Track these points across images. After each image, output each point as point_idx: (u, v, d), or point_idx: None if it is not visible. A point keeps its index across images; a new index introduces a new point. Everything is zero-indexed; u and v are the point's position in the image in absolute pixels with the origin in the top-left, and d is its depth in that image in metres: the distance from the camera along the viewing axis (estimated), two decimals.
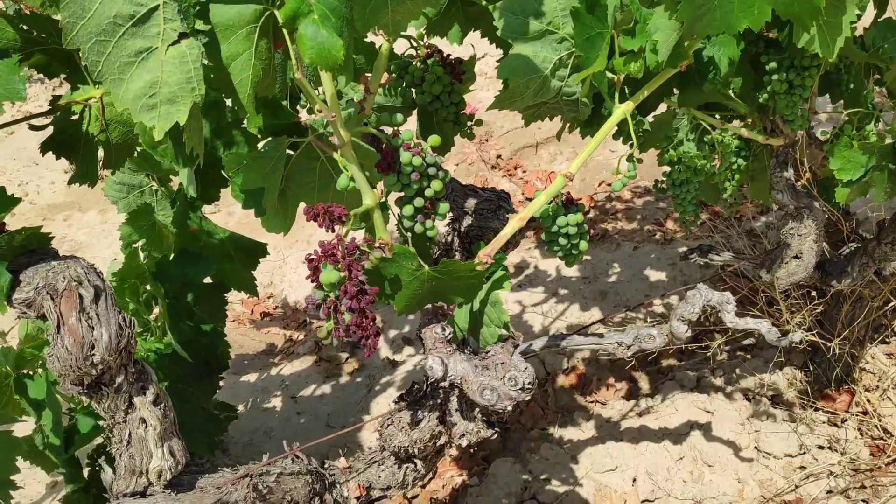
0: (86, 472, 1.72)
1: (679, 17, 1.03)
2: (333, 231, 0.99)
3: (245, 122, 1.16)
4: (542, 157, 3.65)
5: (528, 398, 1.15)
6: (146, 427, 1.27)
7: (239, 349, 2.74)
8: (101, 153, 1.34)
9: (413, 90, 1.36)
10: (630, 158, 1.26)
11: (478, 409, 1.31)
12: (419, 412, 1.40)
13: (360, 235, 1.13)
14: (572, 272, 2.89)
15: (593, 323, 2.42)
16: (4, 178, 3.78)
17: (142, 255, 1.74)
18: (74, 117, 1.29)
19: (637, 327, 1.62)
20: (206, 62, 0.82)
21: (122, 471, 1.29)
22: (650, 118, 1.56)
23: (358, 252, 0.98)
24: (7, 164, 3.82)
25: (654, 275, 2.82)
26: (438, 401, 1.37)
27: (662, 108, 1.55)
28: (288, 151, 1.13)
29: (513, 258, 3.00)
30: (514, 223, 1.16)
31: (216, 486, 1.36)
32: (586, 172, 3.45)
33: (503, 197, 1.47)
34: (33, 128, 1.32)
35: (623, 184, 1.25)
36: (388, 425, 1.49)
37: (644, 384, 2.39)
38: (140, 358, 1.28)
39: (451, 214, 1.49)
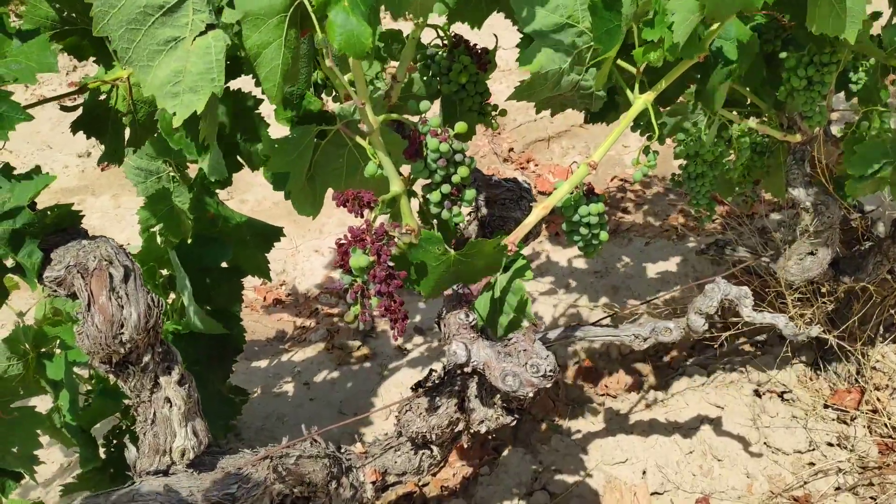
0: (102, 452, 1.74)
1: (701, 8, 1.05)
2: (362, 216, 1.00)
3: (273, 113, 1.17)
4: (554, 151, 3.66)
5: (549, 385, 1.17)
6: (171, 406, 1.29)
7: (251, 335, 2.76)
8: (126, 132, 1.36)
9: (439, 79, 1.37)
10: (647, 150, 1.27)
11: (498, 396, 1.33)
12: (437, 398, 1.42)
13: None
14: (584, 265, 2.91)
15: (608, 315, 2.43)
16: (18, 161, 3.79)
17: (159, 239, 1.76)
18: (102, 97, 1.30)
19: (654, 320, 1.63)
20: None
21: (145, 449, 1.31)
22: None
23: (387, 237, 1.00)
24: (21, 148, 3.84)
25: (666, 270, 2.83)
26: (457, 387, 1.38)
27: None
28: (316, 140, 1.14)
29: (524, 250, 3.02)
30: (538, 211, 1.18)
31: (237, 467, 1.38)
32: (599, 166, 3.46)
33: (525, 188, 1.48)
34: (64, 108, 1.34)
35: (643, 174, 1.26)
36: (406, 411, 1.51)
37: (654, 378, 2.41)
38: (163, 339, 1.30)
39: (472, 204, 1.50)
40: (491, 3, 1.41)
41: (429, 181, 1.09)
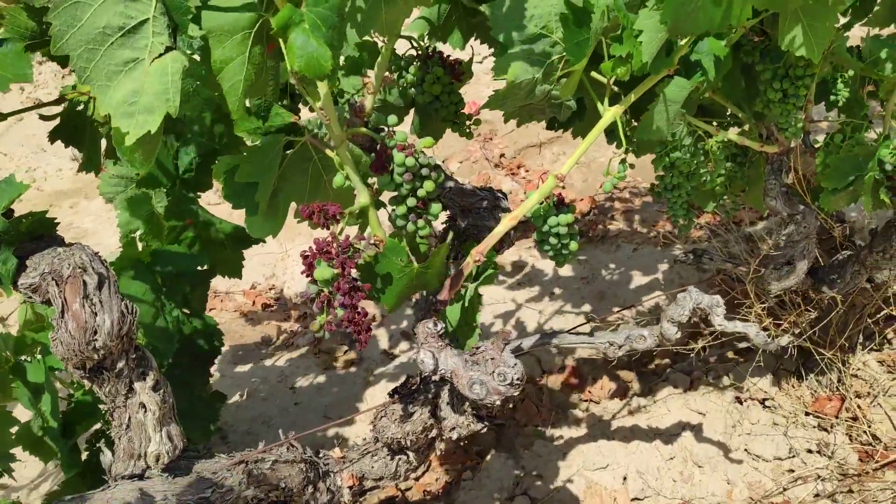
0: (84, 455, 1.76)
1: (663, 17, 1.07)
2: (328, 229, 1.02)
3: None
4: (545, 157, 3.68)
5: (516, 393, 1.18)
6: (145, 412, 1.30)
7: (239, 339, 2.78)
8: (104, 142, 1.37)
9: (413, 90, 1.39)
10: (623, 161, 1.29)
11: (468, 403, 1.34)
12: (411, 405, 1.43)
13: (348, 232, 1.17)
14: (571, 272, 2.92)
15: (585, 322, 2.45)
16: (12, 164, 3.82)
17: (139, 244, 1.77)
18: (80, 107, 1.32)
19: (629, 328, 1.65)
20: (188, 74, 0.84)
21: (120, 454, 1.33)
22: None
23: (351, 249, 1.01)
24: (15, 151, 3.87)
25: (653, 276, 2.85)
26: (430, 395, 1.40)
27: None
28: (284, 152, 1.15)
29: (511, 257, 3.03)
30: (506, 222, 1.19)
31: (212, 472, 1.40)
32: (588, 173, 3.48)
33: (499, 196, 1.50)
34: (43, 117, 1.36)
35: (613, 185, 1.28)
36: (382, 417, 1.53)
37: (637, 384, 2.42)
38: (139, 345, 1.31)
39: (447, 213, 1.52)
40: (469, 30, 1.43)
41: (395, 193, 1.11)
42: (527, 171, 3.60)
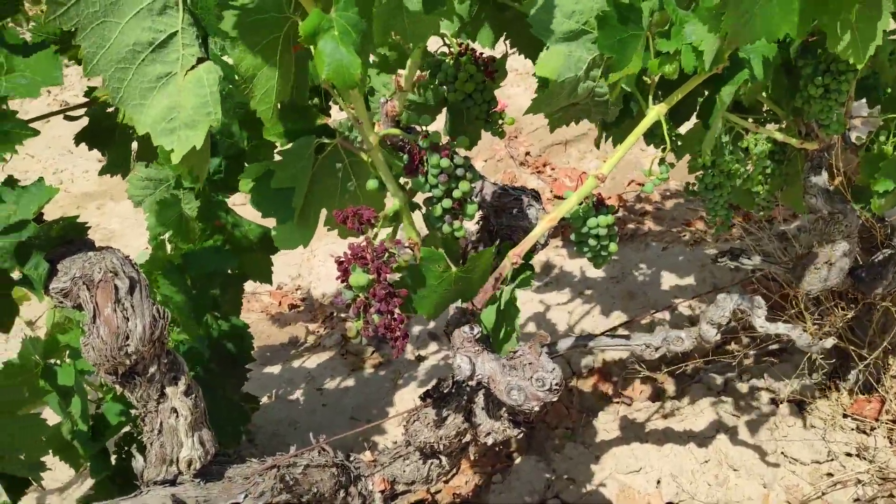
0: (113, 459, 1.75)
1: (723, 29, 1.02)
2: (362, 233, 0.99)
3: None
4: (571, 155, 3.63)
5: (555, 399, 1.15)
6: (177, 417, 1.29)
7: (266, 340, 2.77)
8: (134, 145, 1.36)
9: (445, 88, 1.36)
10: (662, 161, 1.25)
11: (504, 409, 1.31)
12: (444, 409, 1.41)
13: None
14: (600, 271, 2.88)
15: (621, 324, 2.41)
16: (39, 165, 3.84)
17: (168, 246, 1.76)
18: (110, 110, 1.31)
19: (665, 329, 1.61)
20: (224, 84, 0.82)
21: (152, 459, 1.32)
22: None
23: (387, 254, 0.99)
24: (42, 152, 3.89)
25: (683, 276, 2.80)
26: (464, 399, 1.37)
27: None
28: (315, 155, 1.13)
29: (539, 257, 3.00)
30: (544, 223, 1.16)
31: (244, 477, 1.38)
32: (616, 171, 3.43)
33: (534, 196, 1.46)
34: (69, 118, 1.34)
35: (655, 185, 1.25)
36: (414, 421, 1.50)
37: (670, 386, 2.38)
38: (170, 349, 1.30)
39: (481, 213, 1.49)
40: (499, 28, 1.40)
41: (429, 195, 1.08)
42: (553, 169, 3.56)
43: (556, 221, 1.16)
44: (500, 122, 1.42)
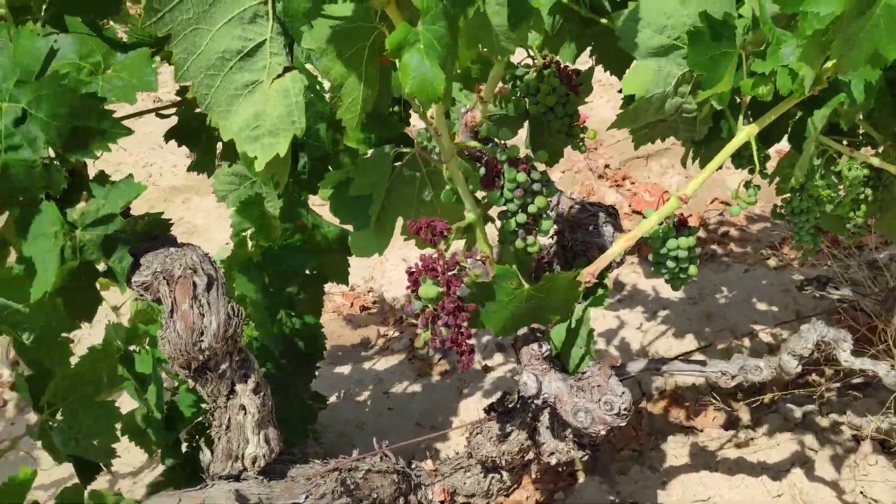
0: (184, 447, 1.80)
1: (833, 54, 0.97)
2: (434, 245, 0.99)
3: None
4: (651, 169, 3.56)
5: (623, 424, 1.12)
6: (245, 414, 1.31)
7: (337, 340, 2.80)
8: (219, 145, 1.39)
9: (527, 100, 1.35)
10: (749, 184, 1.20)
11: (569, 430, 1.29)
12: (508, 425, 1.39)
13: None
14: (678, 292, 2.81)
15: (697, 349, 2.34)
16: (130, 159, 3.99)
17: (250, 243, 1.80)
18: (199, 110, 1.34)
19: (743, 357, 1.55)
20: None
21: (219, 454, 1.34)
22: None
23: (458, 267, 0.98)
24: (134, 147, 4.04)
25: (765, 301, 2.70)
26: (529, 416, 1.35)
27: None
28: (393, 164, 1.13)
29: (613, 272, 2.94)
30: (621, 243, 1.13)
31: (306, 477, 1.40)
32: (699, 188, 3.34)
33: (611, 213, 1.43)
34: (161, 116, 1.39)
35: (741, 208, 1.20)
36: (477, 434, 1.49)
37: (744, 415, 2.30)
38: (243, 346, 1.32)
39: (556, 227, 1.47)
40: (583, 42, 1.38)
41: (504, 209, 1.07)
42: (632, 183, 3.49)
43: (633, 241, 1.13)
44: (582, 135, 1.40)
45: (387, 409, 2.48)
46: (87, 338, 2.64)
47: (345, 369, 2.67)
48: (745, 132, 1.13)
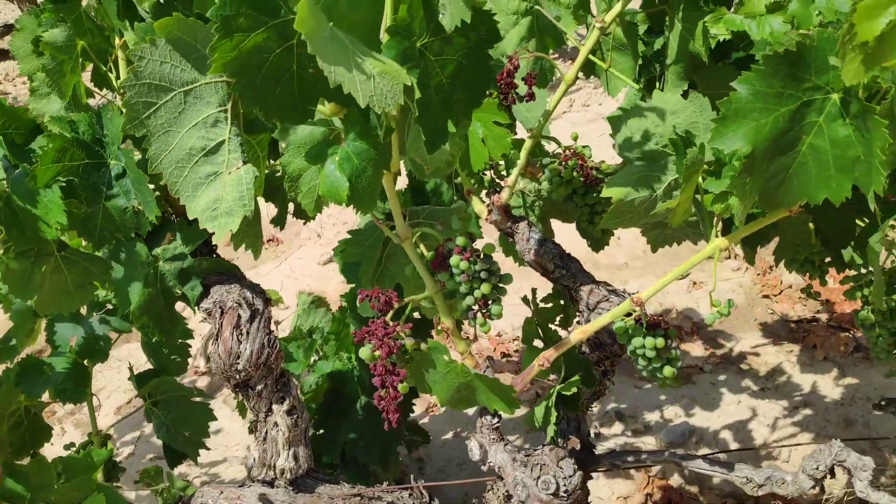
0: None
1: (750, 195, 0.99)
2: (384, 313, 1.14)
3: None
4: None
5: None
6: (278, 430, 1.54)
7: None
8: (291, 206, 1.66)
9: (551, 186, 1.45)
10: (730, 301, 1.20)
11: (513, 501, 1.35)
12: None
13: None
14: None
15: (720, 451, 2.18)
16: None
17: None
18: (278, 174, 1.61)
19: (772, 467, 1.49)
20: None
21: (258, 460, 1.59)
22: None
23: (395, 335, 1.12)
24: None
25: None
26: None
27: None
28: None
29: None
30: (576, 334, 1.20)
31: (330, 496, 1.59)
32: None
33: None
34: None
35: (715, 318, 1.20)
36: (489, 491, 1.59)
37: None
38: (285, 371, 1.55)
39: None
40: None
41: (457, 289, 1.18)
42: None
43: (587, 334, 1.19)
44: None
45: None
46: None
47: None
48: (713, 245, 1.14)
